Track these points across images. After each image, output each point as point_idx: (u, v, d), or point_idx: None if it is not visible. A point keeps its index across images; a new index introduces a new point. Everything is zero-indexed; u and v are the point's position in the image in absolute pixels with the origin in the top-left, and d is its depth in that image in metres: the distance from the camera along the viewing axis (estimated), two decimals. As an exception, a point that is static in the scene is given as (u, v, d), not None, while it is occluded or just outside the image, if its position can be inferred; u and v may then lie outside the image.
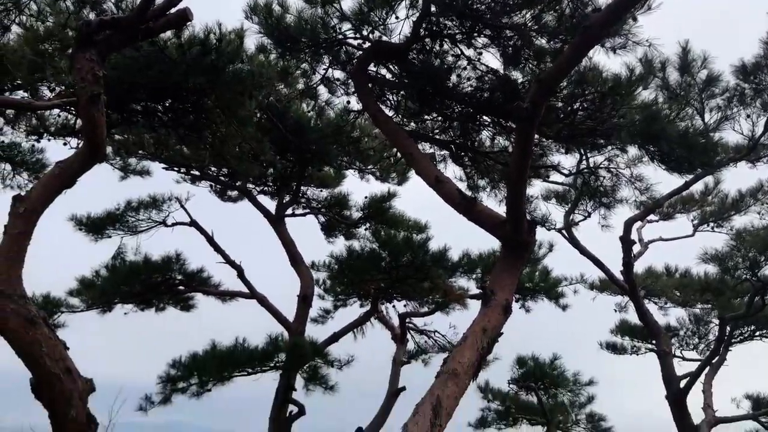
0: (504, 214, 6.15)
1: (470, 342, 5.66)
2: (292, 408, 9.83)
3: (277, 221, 11.01)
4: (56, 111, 7.81)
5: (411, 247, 10.17)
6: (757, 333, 12.93)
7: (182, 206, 9.88)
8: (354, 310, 12.67)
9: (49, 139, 8.08)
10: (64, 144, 7.69)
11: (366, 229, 11.78)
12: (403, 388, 11.36)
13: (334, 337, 10.64)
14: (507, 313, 5.98)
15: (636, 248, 11.65)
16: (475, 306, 11.77)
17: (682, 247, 13.71)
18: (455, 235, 10.94)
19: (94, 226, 9.66)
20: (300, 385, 9.66)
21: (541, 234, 12.30)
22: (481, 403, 15.71)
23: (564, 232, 11.64)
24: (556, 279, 12.70)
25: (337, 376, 10.25)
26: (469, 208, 6.31)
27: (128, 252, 10.31)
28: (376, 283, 11.68)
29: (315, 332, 11.34)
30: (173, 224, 10.05)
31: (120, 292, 10.79)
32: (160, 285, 11.17)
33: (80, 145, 5.29)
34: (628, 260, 10.54)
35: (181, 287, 11.28)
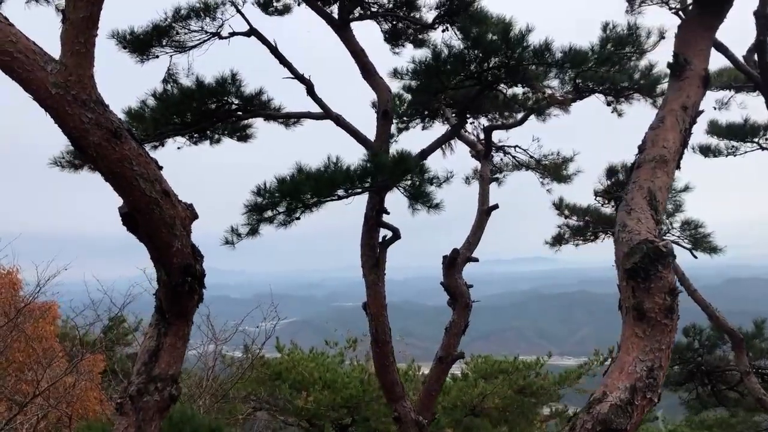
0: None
1: (670, 123, 4.42)
2: (385, 233, 8.93)
3: (342, 27, 9.46)
4: None
5: (507, 42, 8.62)
6: None
7: (239, 11, 8.30)
8: (417, 132, 11.66)
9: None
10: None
11: (443, 31, 10.13)
12: (496, 206, 10.37)
13: (423, 154, 9.45)
14: (706, 85, 4.68)
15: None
16: (576, 111, 10.47)
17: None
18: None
19: (140, 43, 8.22)
20: (394, 208, 8.65)
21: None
22: (557, 220, 14.96)
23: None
24: (656, 75, 11.12)
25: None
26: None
27: (179, 74, 8.95)
28: (452, 93, 10.38)
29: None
30: (230, 35, 8.53)
31: (172, 123, 9.63)
32: (214, 112, 9.91)
33: None
34: (764, 38, 8.95)
35: (239, 113, 10.01)
